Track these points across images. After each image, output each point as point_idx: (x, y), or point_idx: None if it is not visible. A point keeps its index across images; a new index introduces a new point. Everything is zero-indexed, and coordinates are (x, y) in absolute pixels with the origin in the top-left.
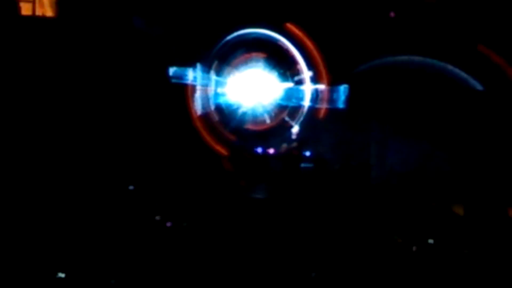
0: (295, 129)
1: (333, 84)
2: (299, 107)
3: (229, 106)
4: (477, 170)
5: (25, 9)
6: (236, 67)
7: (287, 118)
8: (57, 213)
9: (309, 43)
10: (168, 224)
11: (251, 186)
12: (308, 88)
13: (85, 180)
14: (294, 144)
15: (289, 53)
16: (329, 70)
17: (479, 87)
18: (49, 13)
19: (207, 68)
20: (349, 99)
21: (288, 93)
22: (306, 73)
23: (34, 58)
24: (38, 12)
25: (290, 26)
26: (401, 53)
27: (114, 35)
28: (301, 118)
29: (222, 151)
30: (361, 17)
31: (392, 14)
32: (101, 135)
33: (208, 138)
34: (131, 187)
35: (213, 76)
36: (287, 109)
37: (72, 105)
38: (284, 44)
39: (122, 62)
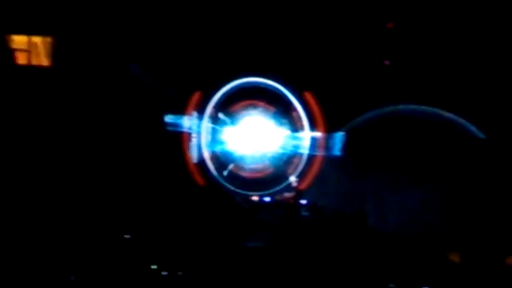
0: (292, 177)
1: (329, 131)
2: (296, 155)
3: (225, 154)
4: (474, 217)
5: (22, 58)
6: (233, 114)
7: (284, 166)
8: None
9: (306, 92)
10: (164, 273)
11: (246, 234)
12: (304, 136)
13: (82, 229)
14: (291, 192)
15: (286, 101)
16: (326, 118)
17: (477, 133)
18: (45, 62)
19: (202, 116)
20: (346, 146)
21: (285, 141)
22: (303, 121)
23: (30, 106)
24: (34, 61)
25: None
26: (396, 101)
27: (110, 83)
28: (298, 166)
29: (218, 198)
30: (357, 65)
31: (387, 62)
32: (97, 183)
33: (203, 185)
34: (127, 236)
35: (209, 124)
36: (284, 156)
37: (69, 153)
38: (281, 92)
39: (118, 109)
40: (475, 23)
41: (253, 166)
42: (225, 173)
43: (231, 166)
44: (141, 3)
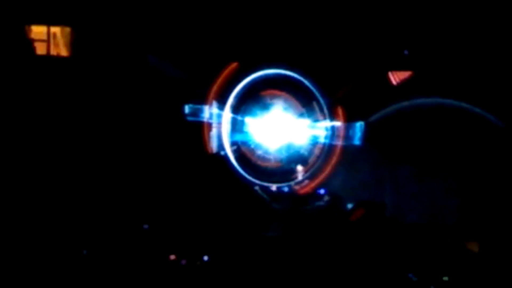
0: (309, 166)
1: (349, 120)
2: (315, 144)
3: (245, 144)
4: (492, 206)
5: (40, 49)
6: (253, 104)
7: (303, 156)
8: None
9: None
10: (183, 262)
11: (264, 223)
12: (325, 125)
13: (99, 217)
14: (308, 182)
15: (307, 91)
16: (346, 106)
17: (497, 122)
18: (64, 52)
19: (223, 106)
20: (365, 136)
21: (305, 131)
22: (324, 110)
23: (49, 97)
24: (53, 52)
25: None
26: (417, 93)
27: (129, 74)
28: (318, 155)
29: (237, 188)
30: (377, 55)
31: (406, 52)
32: (116, 173)
33: (223, 175)
34: (145, 226)
35: (229, 113)
36: (304, 146)
37: (88, 144)
38: (301, 81)
39: (137, 100)
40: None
41: (273, 156)
42: (245, 163)
43: (251, 157)
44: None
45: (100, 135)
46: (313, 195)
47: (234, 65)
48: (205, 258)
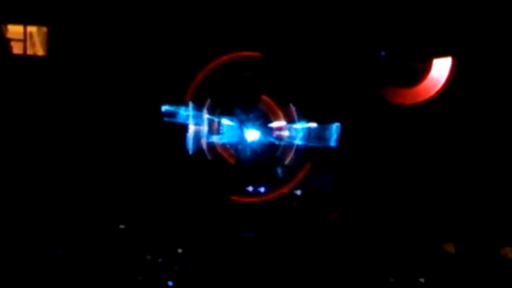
0: (285, 168)
1: (325, 122)
2: (291, 146)
3: (221, 145)
4: (469, 208)
5: (17, 48)
6: (229, 105)
7: (279, 157)
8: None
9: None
10: (160, 261)
11: (241, 224)
12: (300, 127)
13: (77, 218)
14: (286, 183)
15: (283, 92)
16: (322, 108)
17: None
18: (40, 52)
19: (199, 107)
20: (341, 137)
21: (281, 132)
22: (300, 112)
23: (25, 97)
24: (30, 51)
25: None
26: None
27: (106, 73)
28: (294, 156)
29: (214, 188)
30: (354, 55)
31: (382, 53)
32: (92, 173)
33: (200, 176)
34: (122, 226)
35: (205, 114)
36: (279, 147)
37: (64, 144)
38: (278, 83)
39: (114, 100)
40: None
41: (248, 157)
42: (221, 164)
43: (227, 158)
44: None
45: (76, 134)
46: (290, 195)
47: (211, 66)
48: (182, 258)
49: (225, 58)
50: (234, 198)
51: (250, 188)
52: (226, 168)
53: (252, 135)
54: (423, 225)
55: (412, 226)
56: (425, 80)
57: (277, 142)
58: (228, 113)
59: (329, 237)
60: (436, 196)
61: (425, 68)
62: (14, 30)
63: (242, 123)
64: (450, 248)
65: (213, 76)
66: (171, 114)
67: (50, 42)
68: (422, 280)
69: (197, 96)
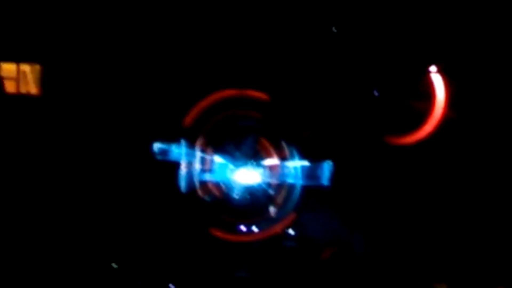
0: (278, 207)
1: (316, 160)
2: (283, 184)
3: (214, 183)
4: (462, 247)
5: (9, 87)
6: (222, 144)
7: (272, 196)
8: None
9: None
10: None
11: (234, 263)
12: (292, 165)
13: (67, 255)
14: (279, 222)
15: (275, 131)
16: (313, 146)
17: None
18: (33, 90)
19: (192, 144)
20: (334, 176)
21: (273, 170)
22: (291, 150)
23: (19, 136)
24: (22, 90)
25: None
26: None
27: (98, 112)
28: (287, 195)
29: (207, 228)
30: (345, 94)
31: (376, 93)
32: (84, 213)
33: (193, 215)
34: (114, 265)
35: (198, 152)
36: (272, 186)
37: (57, 183)
38: (270, 122)
39: (106, 138)
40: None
41: (242, 195)
42: (214, 202)
43: (220, 196)
44: (129, 35)
45: (68, 173)
46: (283, 235)
47: (203, 104)
48: None
49: (223, 94)
50: (227, 236)
51: (243, 227)
52: (219, 206)
53: (245, 173)
54: (416, 265)
55: (404, 266)
56: (429, 121)
57: (269, 181)
58: (221, 151)
59: (322, 277)
60: (430, 237)
61: (427, 107)
62: (7, 68)
63: (235, 161)
64: None
65: (207, 113)
66: (163, 152)
67: (43, 80)
68: None
69: (190, 135)
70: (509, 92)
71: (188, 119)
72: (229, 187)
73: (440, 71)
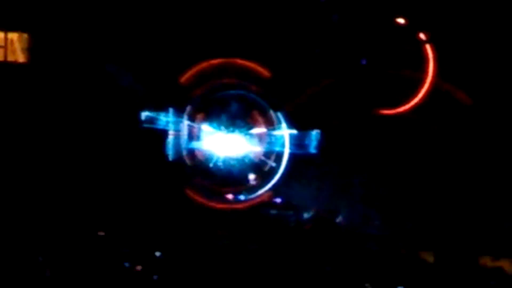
0: (265, 175)
1: (305, 129)
2: (271, 152)
3: (201, 151)
4: (448, 217)
5: None
6: (210, 113)
7: (259, 164)
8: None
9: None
10: (138, 268)
11: (220, 232)
12: (280, 134)
13: (55, 223)
14: (265, 190)
15: (263, 100)
16: (301, 115)
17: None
18: (21, 59)
19: (180, 113)
20: (321, 145)
21: (261, 139)
22: (279, 119)
23: (6, 103)
24: (10, 58)
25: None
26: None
27: (86, 81)
28: (274, 163)
29: (194, 196)
30: (333, 63)
31: (364, 61)
32: (73, 178)
33: (180, 183)
34: (101, 233)
35: (186, 121)
36: (259, 154)
37: (44, 149)
38: (259, 92)
39: (94, 107)
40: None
41: (228, 164)
42: (200, 171)
43: (207, 164)
44: (118, 4)
45: (56, 140)
46: (269, 203)
47: (191, 72)
48: (161, 264)
49: (211, 63)
50: (213, 204)
51: (230, 195)
52: (205, 175)
53: (233, 141)
54: (402, 234)
55: (391, 235)
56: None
57: (257, 149)
58: (208, 120)
59: (308, 245)
60: (415, 205)
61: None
62: None
63: (222, 130)
64: (428, 257)
65: (195, 82)
66: (151, 121)
67: (31, 49)
68: None
69: (178, 103)
70: (496, 61)
71: (177, 87)
72: (216, 155)
73: (429, 40)
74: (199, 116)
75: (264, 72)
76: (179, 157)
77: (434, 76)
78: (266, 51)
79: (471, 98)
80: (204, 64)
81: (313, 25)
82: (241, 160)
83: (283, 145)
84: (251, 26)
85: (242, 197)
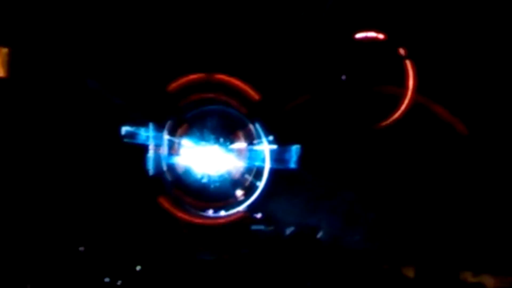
0: (246, 191)
1: (285, 144)
2: (252, 168)
3: (181, 166)
4: (429, 232)
5: None
6: (189, 127)
7: (239, 179)
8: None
9: (261, 104)
10: (118, 283)
11: (200, 247)
12: (260, 149)
13: (35, 240)
14: (245, 206)
15: (242, 114)
16: (281, 129)
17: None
18: (1, 73)
19: (160, 128)
20: (301, 159)
21: (241, 154)
22: (259, 134)
23: None
24: None
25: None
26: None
27: (67, 96)
28: (254, 179)
29: (174, 212)
30: (313, 79)
31: (343, 77)
32: (53, 195)
33: (160, 198)
34: (81, 249)
35: (166, 136)
36: (240, 170)
37: (24, 165)
38: (237, 105)
39: (75, 122)
40: None
41: (208, 179)
42: (181, 186)
43: (187, 180)
44: (96, 17)
45: (35, 155)
46: (250, 218)
47: (172, 87)
48: (141, 279)
49: (191, 78)
50: (192, 219)
51: (210, 211)
52: (185, 190)
53: (213, 156)
54: (383, 249)
55: (372, 250)
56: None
57: (237, 164)
58: (188, 134)
59: (289, 260)
60: (396, 220)
61: (399, 93)
62: None
63: (202, 144)
64: (409, 272)
65: (175, 97)
66: (131, 136)
67: (11, 63)
68: None
69: (158, 118)
70: (474, 74)
71: (157, 102)
72: (197, 170)
73: (409, 56)
74: (179, 130)
75: (245, 88)
76: (159, 172)
77: (414, 91)
78: (247, 67)
79: (452, 114)
80: (184, 79)
81: (292, 41)
82: (221, 175)
83: (263, 160)
84: (231, 40)
85: (222, 213)
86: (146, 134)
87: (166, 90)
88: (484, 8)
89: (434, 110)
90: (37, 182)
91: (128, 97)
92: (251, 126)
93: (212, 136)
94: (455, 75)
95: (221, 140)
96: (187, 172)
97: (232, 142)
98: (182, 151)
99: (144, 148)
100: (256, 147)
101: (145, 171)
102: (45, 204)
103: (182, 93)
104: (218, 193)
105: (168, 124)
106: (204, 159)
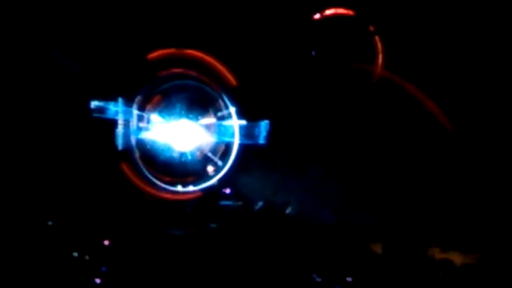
0: (215, 166)
1: (254, 119)
2: (221, 143)
3: (150, 141)
4: (397, 208)
5: None
6: (159, 102)
7: (208, 155)
8: None
9: (231, 79)
10: (87, 258)
11: (169, 222)
12: (229, 124)
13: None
14: (214, 181)
15: (211, 89)
16: (250, 105)
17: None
18: None
19: (129, 102)
20: (271, 135)
21: (210, 129)
22: (228, 109)
23: None
24: None
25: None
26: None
27: (34, 70)
28: (222, 155)
29: (143, 187)
30: (283, 55)
31: (313, 52)
32: (20, 170)
33: (129, 173)
34: (49, 223)
35: (135, 110)
36: (209, 145)
37: None
38: (206, 80)
39: (42, 96)
40: None
41: (177, 154)
42: (150, 161)
43: (156, 155)
44: None
45: (2, 132)
46: (219, 194)
47: (142, 62)
48: (110, 255)
49: (161, 53)
50: (162, 195)
51: (179, 186)
52: (155, 165)
53: (182, 131)
54: (351, 225)
55: (340, 226)
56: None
57: (206, 139)
58: (157, 109)
59: (257, 235)
60: (365, 197)
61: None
62: None
63: (171, 120)
64: (377, 248)
65: (145, 71)
66: (100, 110)
67: None
68: (349, 279)
69: (128, 92)
70: (446, 50)
71: (126, 76)
72: (166, 145)
73: (378, 32)
74: (149, 105)
75: (216, 63)
76: (128, 147)
77: (382, 68)
78: (218, 42)
79: (423, 92)
80: (153, 54)
81: (262, 16)
82: (190, 151)
83: (232, 136)
84: (202, 16)
85: (191, 188)
86: (116, 109)
87: (136, 64)
88: None
89: (404, 87)
90: (5, 157)
91: (97, 71)
92: (220, 102)
93: (181, 111)
94: (426, 52)
95: (191, 115)
96: (156, 147)
97: (201, 117)
98: (151, 126)
99: (113, 123)
100: (225, 123)
101: (114, 146)
102: (13, 178)
103: (153, 68)
104: (187, 169)
105: (138, 98)
106: (173, 134)
